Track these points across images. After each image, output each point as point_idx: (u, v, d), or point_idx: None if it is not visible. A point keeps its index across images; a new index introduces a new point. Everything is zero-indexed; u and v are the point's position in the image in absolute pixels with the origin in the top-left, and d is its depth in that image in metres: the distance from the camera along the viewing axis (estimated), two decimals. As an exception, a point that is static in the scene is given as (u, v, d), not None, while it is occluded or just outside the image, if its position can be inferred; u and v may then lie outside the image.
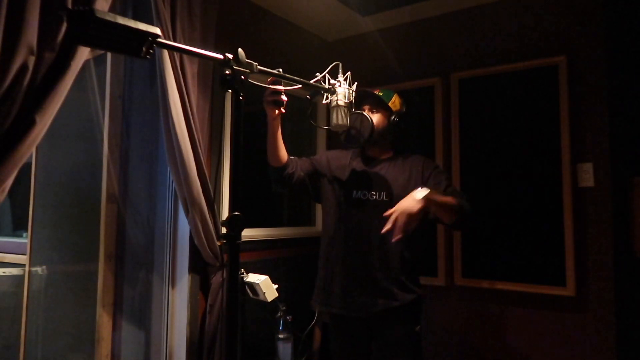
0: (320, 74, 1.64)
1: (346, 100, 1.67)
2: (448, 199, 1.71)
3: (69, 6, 1.51)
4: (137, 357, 2.27)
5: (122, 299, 2.27)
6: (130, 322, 2.28)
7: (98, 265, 2.21)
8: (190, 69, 2.02)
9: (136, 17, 1.88)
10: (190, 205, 2.02)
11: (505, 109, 2.50)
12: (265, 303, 2.06)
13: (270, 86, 1.57)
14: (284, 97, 1.61)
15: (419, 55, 2.83)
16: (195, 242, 2.09)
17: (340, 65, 1.68)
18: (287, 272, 2.69)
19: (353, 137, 1.86)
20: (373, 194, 1.86)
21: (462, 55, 2.66)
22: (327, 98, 1.70)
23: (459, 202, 1.73)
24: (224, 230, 1.14)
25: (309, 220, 3.08)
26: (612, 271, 2.18)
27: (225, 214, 2.29)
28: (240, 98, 1.18)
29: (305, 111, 2.01)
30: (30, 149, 1.44)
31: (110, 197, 2.23)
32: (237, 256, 1.15)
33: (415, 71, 2.80)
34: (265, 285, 2.03)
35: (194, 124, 2.02)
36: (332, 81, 1.67)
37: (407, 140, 2.15)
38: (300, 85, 1.51)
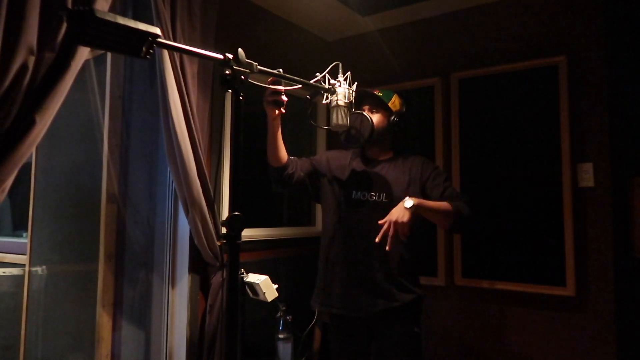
0: (320, 74, 1.64)
1: (346, 100, 1.67)
2: (440, 205, 1.72)
3: (69, 6, 1.51)
4: (137, 357, 2.27)
5: (122, 299, 2.27)
6: (130, 322, 2.28)
7: (98, 265, 2.21)
8: (190, 69, 2.02)
9: (136, 17, 1.88)
10: (190, 205, 2.02)
11: (505, 109, 2.50)
12: (265, 303, 2.06)
13: (270, 86, 1.57)
14: (284, 97, 1.61)
15: (419, 55, 2.83)
16: (195, 242, 2.09)
17: (340, 65, 1.68)
18: (287, 272, 2.69)
19: (353, 137, 1.86)
20: (373, 195, 1.86)
21: (462, 55, 2.66)
22: (327, 98, 1.70)
23: (454, 205, 1.73)
24: (224, 230, 1.14)
25: (309, 220, 3.08)
26: (612, 271, 2.18)
27: (225, 214, 2.29)
28: (240, 98, 1.18)
29: (305, 111, 2.01)
30: (30, 149, 1.44)
31: (110, 197, 2.23)
32: (237, 256, 1.15)
33: (415, 71, 2.80)
34: (265, 285, 2.03)
35: (194, 124, 2.02)
36: (332, 81, 1.67)
37: (407, 140, 2.15)
38: (300, 85, 1.51)
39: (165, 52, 1.92)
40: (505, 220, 2.44)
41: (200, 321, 2.17)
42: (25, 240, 2.34)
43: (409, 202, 1.61)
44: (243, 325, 2.36)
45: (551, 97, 2.35)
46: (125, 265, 2.30)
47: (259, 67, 1.26)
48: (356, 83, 1.73)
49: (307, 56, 2.90)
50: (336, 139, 2.25)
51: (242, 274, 2.10)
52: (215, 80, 2.18)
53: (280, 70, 1.44)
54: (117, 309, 2.25)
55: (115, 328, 2.24)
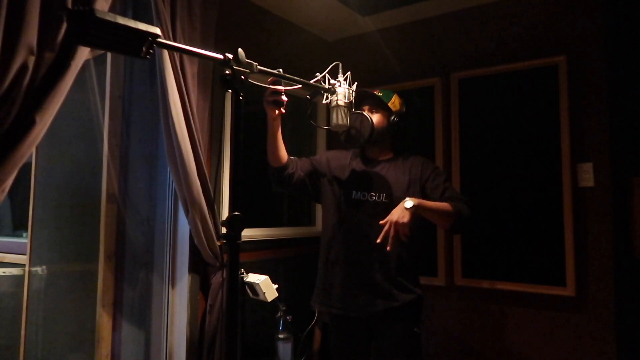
0: (320, 74, 1.64)
1: (346, 100, 1.67)
2: (441, 205, 1.72)
3: (69, 6, 1.51)
4: (137, 357, 2.27)
5: (122, 299, 2.27)
6: (130, 322, 2.28)
7: (98, 265, 2.21)
8: (190, 69, 2.02)
9: (136, 17, 1.88)
10: (190, 205, 2.02)
11: (505, 109, 2.50)
12: (265, 303, 2.06)
13: (271, 86, 1.57)
14: (284, 97, 1.61)
15: (419, 55, 2.83)
16: (195, 242, 2.09)
17: (340, 65, 1.68)
18: (287, 272, 2.69)
19: (353, 137, 1.86)
20: (372, 195, 1.86)
21: (462, 55, 2.66)
22: (327, 98, 1.70)
23: (454, 206, 1.73)
24: (224, 230, 1.14)
25: (309, 220, 3.08)
26: (612, 271, 2.18)
27: (225, 214, 2.29)
28: (240, 98, 1.18)
29: (305, 111, 2.01)
30: (30, 149, 1.44)
31: (110, 197, 2.23)
32: (237, 256, 1.15)
33: (415, 71, 2.80)
34: (265, 285, 2.03)
35: (194, 124, 2.02)
36: (332, 81, 1.67)
37: (407, 140, 2.15)
38: (300, 85, 1.51)
39: (165, 52, 1.92)
40: (505, 220, 2.44)
41: (200, 321, 2.17)
42: (25, 240, 2.34)
43: (409, 202, 1.62)
44: (243, 325, 2.36)
45: (551, 97, 2.35)
46: (125, 265, 2.30)
47: (259, 67, 1.26)
48: (356, 83, 1.73)
49: (307, 56, 2.90)
50: (336, 139, 2.26)
51: (242, 274, 2.10)
52: (215, 80, 2.18)
53: (280, 70, 1.44)
54: (117, 309, 2.25)
55: (115, 328, 2.24)
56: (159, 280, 2.24)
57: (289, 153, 1.85)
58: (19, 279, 2.30)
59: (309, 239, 2.84)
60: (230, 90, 1.18)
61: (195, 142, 2.02)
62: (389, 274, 1.81)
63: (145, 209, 2.31)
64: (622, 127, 2.18)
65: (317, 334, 2.56)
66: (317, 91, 1.69)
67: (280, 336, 2.30)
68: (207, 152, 2.19)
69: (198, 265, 2.17)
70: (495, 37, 2.56)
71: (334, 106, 1.67)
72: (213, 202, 2.10)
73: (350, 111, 1.71)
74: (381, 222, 1.62)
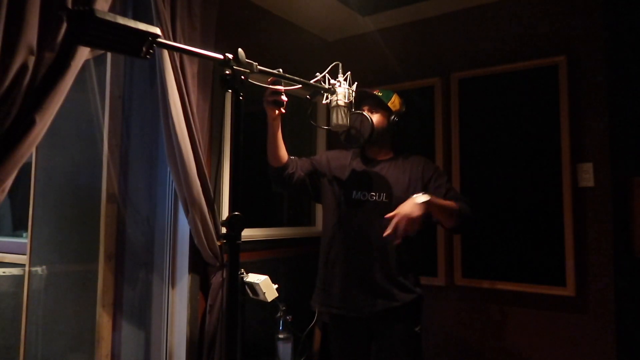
0: (320, 74, 1.64)
1: (346, 100, 1.67)
2: (449, 204, 1.72)
3: (69, 6, 1.51)
4: (137, 357, 2.27)
5: (122, 299, 2.27)
6: (130, 322, 2.28)
7: (98, 265, 2.21)
8: (190, 69, 2.02)
9: (136, 17, 1.88)
10: (190, 205, 2.02)
11: (505, 109, 2.50)
12: (265, 303, 2.06)
13: (271, 86, 1.57)
14: (284, 97, 1.61)
15: (419, 55, 2.83)
16: (195, 242, 2.09)
17: (340, 65, 1.68)
18: (287, 272, 2.69)
19: (353, 137, 1.86)
20: (373, 195, 1.86)
21: (462, 55, 2.66)
22: (327, 98, 1.70)
23: (459, 206, 1.74)
24: (224, 230, 1.14)
25: (309, 220, 3.08)
26: (612, 271, 2.18)
27: (225, 214, 2.29)
28: (240, 98, 1.18)
29: (305, 111, 2.01)
30: (30, 149, 1.44)
31: (110, 197, 2.23)
32: (237, 256, 1.15)
33: (415, 71, 2.80)
34: (265, 285, 2.03)
35: (194, 124, 2.02)
36: (332, 81, 1.67)
37: (407, 140, 2.16)
38: (300, 85, 1.51)
39: (165, 52, 1.92)
40: (505, 220, 2.44)
41: (200, 321, 2.17)
42: (25, 240, 2.34)
43: (421, 197, 1.60)
44: (243, 325, 2.36)
45: (551, 97, 2.35)
46: (125, 265, 2.30)
47: (259, 67, 1.26)
48: (356, 83, 1.73)
49: (307, 56, 2.90)
50: (336, 139, 2.26)
51: (242, 274, 2.10)
52: (215, 80, 2.18)
53: (280, 70, 1.44)
54: (117, 309, 2.25)
55: (115, 328, 2.24)
56: (159, 280, 2.24)
57: (289, 153, 1.85)
58: (19, 279, 2.30)
59: (309, 239, 2.84)
60: (230, 90, 1.18)
61: (195, 142, 2.01)
62: (389, 273, 1.81)
63: (145, 209, 2.31)
64: (622, 127, 2.18)
65: (317, 334, 2.56)
66: (317, 91, 1.68)
67: (280, 336, 2.30)
68: (207, 152, 2.19)
69: (198, 265, 2.17)
70: (495, 37, 2.56)
71: (334, 106, 1.67)
72: (213, 202, 2.10)
73: (350, 111, 1.71)
74: (387, 215, 1.60)
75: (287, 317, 2.32)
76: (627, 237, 2.11)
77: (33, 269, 2.27)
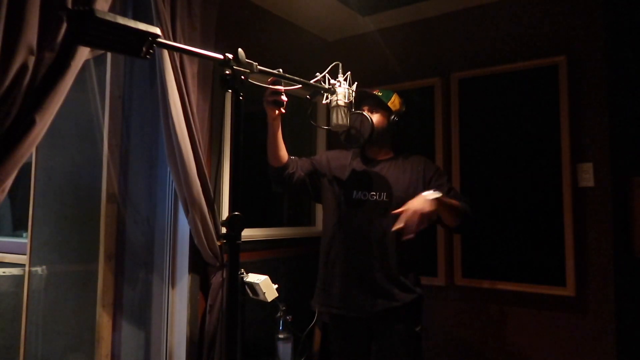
0: (320, 74, 1.64)
1: (346, 100, 1.67)
2: (455, 203, 1.72)
3: (69, 6, 1.51)
4: (137, 357, 2.27)
5: (122, 299, 2.27)
6: (130, 322, 2.28)
7: (98, 265, 2.21)
8: (190, 69, 2.02)
9: (136, 17, 1.88)
10: (190, 205, 2.02)
11: (505, 109, 2.50)
12: (265, 303, 2.06)
13: (271, 86, 1.57)
14: (284, 97, 1.61)
15: (419, 55, 2.83)
16: (195, 242, 2.09)
17: (340, 65, 1.68)
18: (287, 272, 2.69)
19: (353, 137, 1.86)
20: (373, 194, 1.86)
21: (462, 55, 2.66)
22: (327, 98, 1.70)
23: (463, 206, 1.74)
24: (224, 230, 1.14)
25: (309, 220, 3.08)
26: (612, 271, 2.18)
27: (225, 214, 2.29)
28: (240, 98, 1.18)
29: (306, 111, 2.01)
30: (30, 149, 1.44)
31: (110, 197, 2.23)
32: (237, 256, 1.15)
33: (415, 71, 2.80)
34: (265, 285, 2.03)
35: (194, 124, 2.02)
36: (332, 81, 1.67)
37: (407, 140, 2.16)
38: (300, 85, 1.51)
39: (165, 52, 1.92)
40: (505, 220, 2.44)
41: (200, 321, 2.17)
42: (25, 240, 2.34)
43: (432, 194, 1.60)
44: (243, 325, 2.36)
45: (551, 97, 2.35)
46: (125, 265, 2.30)
47: (259, 67, 1.26)
48: (356, 83, 1.73)
49: (307, 56, 2.90)
50: (336, 139, 2.26)
51: (242, 274, 2.10)
52: (215, 80, 2.18)
53: (280, 70, 1.44)
54: (117, 309, 2.25)
55: (115, 328, 2.24)
56: (159, 280, 2.24)
57: (289, 153, 1.85)
58: (19, 279, 2.30)
59: (309, 239, 2.84)
60: (230, 90, 1.18)
61: (195, 142, 2.01)
62: (389, 273, 1.81)
63: (145, 209, 2.31)
64: (622, 127, 2.18)
65: (317, 334, 2.56)
66: (317, 91, 1.68)
67: (280, 336, 2.30)
68: (207, 152, 2.19)
69: (198, 265, 2.17)
70: (495, 37, 2.56)
71: (334, 106, 1.67)
72: (213, 202, 2.10)
73: (350, 111, 1.71)
74: (395, 211, 1.58)
75: (287, 317, 2.32)
76: (627, 237, 2.12)
77: (33, 269, 2.27)
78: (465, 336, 2.55)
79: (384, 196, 1.84)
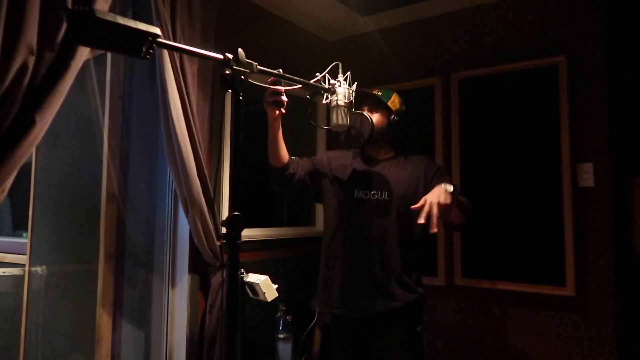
0: (320, 74, 1.64)
1: (346, 100, 1.67)
2: (464, 199, 1.71)
3: (69, 6, 1.51)
4: (137, 357, 2.27)
5: (122, 299, 2.27)
6: (130, 322, 2.28)
7: (98, 265, 2.21)
8: (190, 69, 2.02)
9: (136, 17, 1.88)
10: (190, 205, 2.02)
11: (505, 109, 2.50)
12: (265, 303, 2.06)
13: (271, 86, 1.57)
14: (284, 98, 1.61)
15: (419, 55, 2.83)
16: (195, 242, 2.09)
17: (340, 65, 1.68)
18: (287, 272, 2.69)
19: (353, 137, 1.86)
20: (374, 194, 1.86)
21: (462, 55, 2.66)
22: (327, 98, 1.70)
23: (468, 203, 1.74)
24: (224, 230, 1.14)
25: (309, 220, 3.08)
26: (612, 271, 2.18)
27: (225, 214, 2.29)
28: (240, 98, 1.18)
29: (306, 111, 2.01)
30: (30, 149, 1.44)
31: (110, 197, 2.23)
32: (237, 256, 1.15)
33: (415, 71, 2.80)
34: (265, 285, 2.03)
35: (194, 124, 2.02)
36: (332, 81, 1.67)
37: (407, 140, 2.16)
38: (300, 85, 1.51)
39: (165, 52, 1.92)
40: (505, 220, 2.44)
41: (200, 321, 2.17)
42: (25, 240, 2.34)
43: (449, 186, 1.57)
44: (243, 325, 2.36)
45: (551, 97, 2.35)
46: (125, 265, 2.30)
47: (259, 67, 1.26)
48: (356, 83, 1.72)
49: (307, 56, 2.90)
50: (336, 139, 2.26)
51: (242, 274, 2.10)
52: (215, 80, 2.18)
53: (280, 70, 1.44)
54: (117, 309, 2.25)
55: (115, 328, 2.24)
56: (159, 280, 2.24)
57: (289, 153, 1.85)
58: (19, 279, 2.30)
59: (309, 239, 2.84)
60: (230, 90, 1.18)
61: (195, 142, 2.01)
62: (390, 272, 1.80)
63: (145, 209, 2.31)
64: (622, 127, 2.18)
65: (317, 334, 2.56)
66: (317, 91, 1.68)
67: (280, 336, 2.30)
68: (207, 152, 2.19)
69: (198, 265, 2.17)
70: (495, 37, 2.56)
71: (334, 106, 1.67)
72: (213, 202, 2.10)
73: (350, 111, 1.71)
74: (413, 207, 1.54)
75: (287, 317, 2.32)
76: (627, 237, 2.12)
77: (33, 269, 2.27)
78: (465, 336, 2.55)
79: (385, 195, 1.84)
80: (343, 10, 2.70)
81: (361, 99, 1.86)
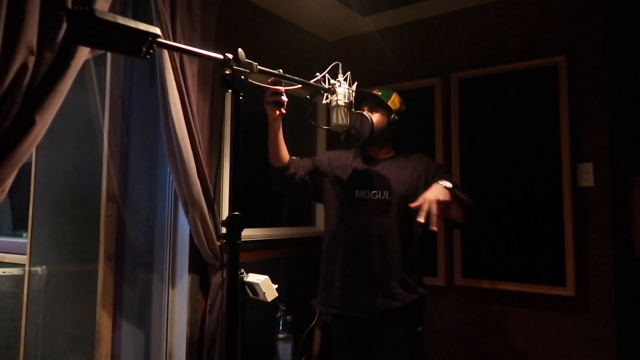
0: (320, 74, 1.64)
1: (346, 100, 1.67)
2: (463, 196, 1.71)
3: (69, 6, 1.51)
4: (137, 357, 2.27)
5: (122, 299, 2.27)
6: (130, 322, 2.28)
7: (98, 265, 2.21)
8: (190, 69, 2.02)
9: (136, 17, 1.88)
10: (190, 205, 2.02)
11: (505, 109, 2.50)
12: (265, 303, 2.06)
13: (271, 86, 1.57)
14: (284, 98, 1.61)
15: (419, 55, 2.83)
16: (195, 242, 2.09)
17: (340, 65, 1.68)
18: (287, 272, 2.69)
19: (353, 137, 1.86)
20: (375, 193, 1.86)
21: (462, 55, 2.66)
22: (327, 98, 1.70)
23: (469, 200, 1.73)
24: (224, 230, 1.14)
25: (309, 220, 3.08)
26: (612, 271, 2.18)
27: (225, 214, 2.29)
28: (240, 98, 1.18)
29: (306, 111, 2.01)
30: (30, 149, 1.44)
31: (110, 197, 2.23)
32: (237, 256, 1.15)
33: (415, 71, 2.80)
34: (265, 285, 2.03)
35: (194, 124, 2.02)
36: (332, 81, 1.67)
37: (407, 140, 2.16)
38: (300, 85, 1.51)
39: (165, 52, 1.92)
40: (505, 220, 2.44)
41: (200, 321, 2.17)
42: (25, 240, 2.34)
43: (446, 183, 1.58)
44: (243, 325, 2.36)
45: (551, 97, 2.35)
46: (125, 265, 2.30)
47: (259, 67, 1.26)
48: (356, 83, 1.72)
49: (307, 56, 2.90)
50: (336, 139, 2.26)
51: (242, 274, 2.10)
52: (215, 80, 2.18)
53: (281, 70, 1.44)
54: (117, 309, 2.25)
55: (115, 328, 2.24)
56: (159, 280, 2.24)
57: (290, 153, 1.85)
58: (19, 279, 2.30)
59: (309, 239, 2.84)
60: (230, 90, 1.18)
61: (195, 142, 2.01)
62: (391, 272, 1.80)
63: (145, 209, 2.32)
64: (622, 127, 2.18)
65: (317, 334, 2.56)
66: (317, 91, 1.68)
67: (280, 336, 2.30)
68: (207, 152, 2.19)
69: (198, 265, 2.17)
70: (495, 37, 2.56)
71: (334, 106, 1.67)
72: (213, 202, 2.10)
73: (350, 111, 1.71)
74: (412, 205, 1.54)
75: (287, 317, 2.32)
76: (627, 237, 2.12)
77: (33, 269, 2.28)
78: (465, 336, 2.55)
79: (385, 195, 1.84)
80: (343, 10, 2.70)
81: (361, 99, 1.86)
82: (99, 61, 2.26)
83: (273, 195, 2.88)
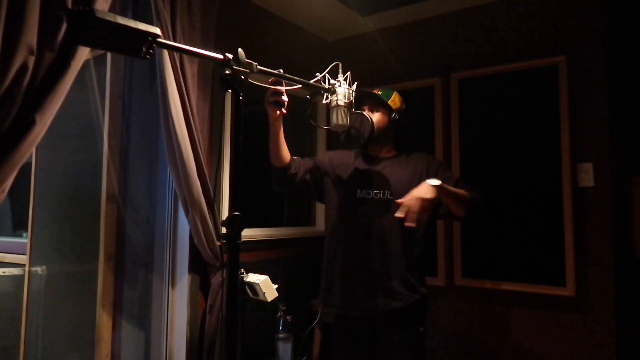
0: (320, 74, 1.64)
1: (346, 100, 1.67)
2: (459, 190, 1.71)
3: (69, 6, 1.51)
4: (137, 357, 2.27)
5: (122, 299, 2.27)
6: (130, 322, 2.28)
7: (98, 265, 2.21)
8: (190, 69, 2.02)
9: (136, 17, 1.88)
10: (190, 205, 2.02)
11: (505, 109, 2.50)
12: (265, 303, 2.06)
13: (271, 86, 1.57)
14: (285, 98, 1.61)
15: (419, 55, 2.83)
16: (195, 242, 2.09)
17: (340, 65, 1.68)
18: (287, 272, 2.69)
19: (353, 137, 1.85)
20: (377, 192, 1.85)
21: (462, 55, 2.66)
22: (327, 98, 1.70)
23: (470, 194, 1.73)
24: (224, 230, 1.14)
25: (309, 220, 3.08)
26: (612, 271, 2.18)
27: (225, 214, 2.29)
28: (240, 98, 1.18)
29: (306, 111, 2.01)
30: (30, 149, 1.44)
31: (110, 197, 2.23)
32: (237, 256, 1.15)
33: (415, 71, 2.80)
34: (265, 285, 2.03)
35: (194, 124, 2.02)
36: (332, 81, 1.67)
37: (408, 139, 2.16)
38: (300, 85, 1.51)
39: (165, 52, 1.92)
40: (505, 220, 2.44)
41: (200, 321, 2.17)
42: (25, 240, 2.34)
43: (434, 181, 1.59)
44: (243, 325, 2.36)
45: (551, 97, 2.35)
46: (125, 265, 2.30)
47: (259, 67, 1.26)
48: (356, 83, 1.72)
49: (307, 56, 2.90)
50: (336, 139, 2.26)
51: (242, 274, 2.10)
52: (215, 80, 2.18)
53: (281, 70, 1.44)
54: (117, 309, 2.25)
55: (115, 328, 2.24)
56: (159, 280, 2.24)
57: (290, 153, 1.84)
58: (19, 279, 2.30)
59: (309, 239, 2.84)
60: (230, 90, 1.18)
61: (195, 142, 2.01)
62: (393, 272, 1.79)
63: (145, 209, 2.32)
64: (622, 127, 2.18)
65: (317, 334, 2.56)
66: (317, 91, 1.68)
67: (280, 336, 2.30)
68: (207, 152, 2.19)
69: (198, 265, 2.17)
70: (495, 37, 2.56)
71: (334, 106, 1.67)
72: (213, 202, 2.10)
73: (350, 111, 1.71)
74: (398, 200, 1.56)
75: (287, 317, 2.32)
76: (627, 237, 2.11)
77: (33, 269, 2.28)
78: (465, 336, 2.55)
79: (387, 194, 1.84)
80: (343, 10, 2.70)
81: (361, 99, 1.86)
82: (99, 61, 2.26)
83: (273, 195, 2.88)
